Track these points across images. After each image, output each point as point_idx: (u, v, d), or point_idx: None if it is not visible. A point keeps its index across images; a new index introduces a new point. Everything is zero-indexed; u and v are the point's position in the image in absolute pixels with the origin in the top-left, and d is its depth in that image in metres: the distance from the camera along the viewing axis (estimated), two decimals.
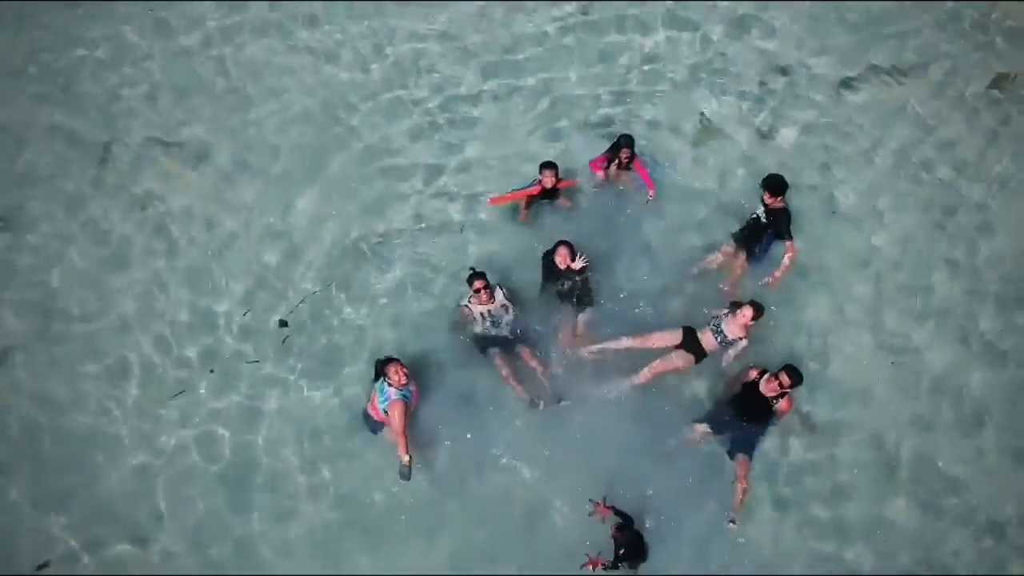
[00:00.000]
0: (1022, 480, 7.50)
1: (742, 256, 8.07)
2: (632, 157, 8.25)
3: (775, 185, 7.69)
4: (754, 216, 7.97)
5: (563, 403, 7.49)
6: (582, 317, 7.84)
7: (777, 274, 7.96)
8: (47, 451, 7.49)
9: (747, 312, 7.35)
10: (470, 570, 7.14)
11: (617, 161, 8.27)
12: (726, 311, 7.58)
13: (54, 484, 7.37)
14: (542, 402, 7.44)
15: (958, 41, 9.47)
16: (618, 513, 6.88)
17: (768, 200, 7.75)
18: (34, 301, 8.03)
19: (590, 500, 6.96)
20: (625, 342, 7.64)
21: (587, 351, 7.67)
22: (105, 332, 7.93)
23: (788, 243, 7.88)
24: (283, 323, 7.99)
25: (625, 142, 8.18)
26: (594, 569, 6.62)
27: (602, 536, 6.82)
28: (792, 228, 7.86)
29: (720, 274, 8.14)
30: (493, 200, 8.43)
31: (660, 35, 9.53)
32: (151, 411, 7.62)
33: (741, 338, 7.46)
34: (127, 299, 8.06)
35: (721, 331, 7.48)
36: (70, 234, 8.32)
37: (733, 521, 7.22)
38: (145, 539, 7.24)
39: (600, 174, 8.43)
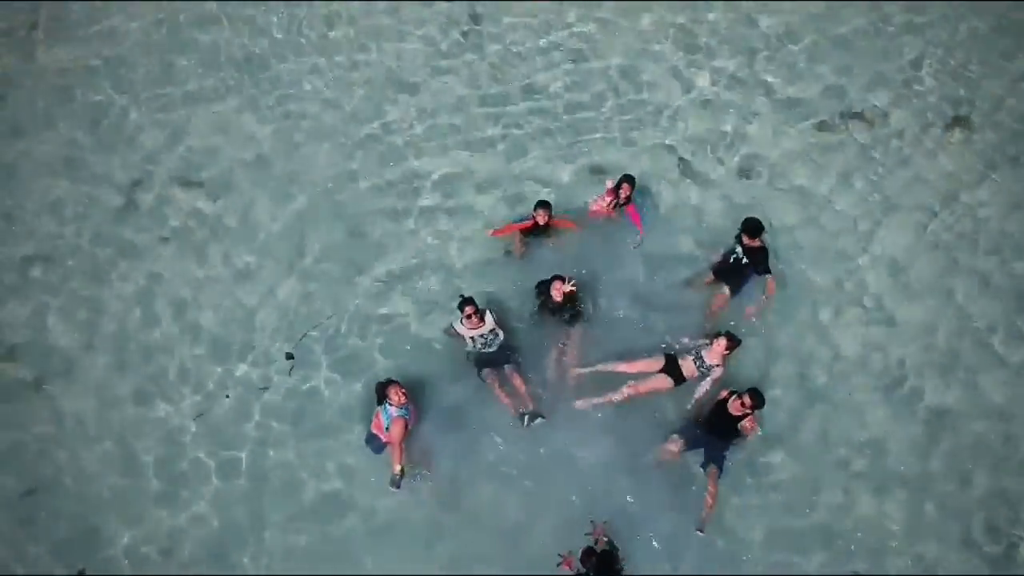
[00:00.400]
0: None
1: (725, 291, 8.65)
2: (631, 196, 8.86)
3: (752, 228, 8.36)
4: (734, 257, 8.54)
5: (538, 421, 8.08)
6: (573, 335, 8.45)
7: (761, 305, 8.65)
8: (73, 475, 8.14)
9: (722, 342, 7.98)
10: (463, 571, 7.75)
11: (616, 199, 8.85)
12: (707, 340, 8.20)
13: (81, 505, 8.04)
14: (526, 418, 8.05)
15: (916, 87, 10.09)
16: (608, 542, 7.32)
17: (747, 241, 8.40)
18: (63, 334, 8.71)
19: (591, 521, 7.47)
20: (611, 366, 8.26)
21: (576, 373, 8.30)
22: (130, 362, 8.61)
23: (768, 277, 8.55)
24: (289, 356, 8.63)
25: (627, 180, 8.81)
26: (565, 567, 7.12)
27: (581, 544, 7.35)
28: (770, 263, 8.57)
29: (703, 302, 8.71)
30: (493, 232, 9.01)
31: (637, 82, 10.13)
32: (173, 432, 8.34)
33: (717, 365, 8.07)
34: (148, 330, 8.74)
35: (701, 358, 8.09)
36: (98, 271, 9.01)
37: (701, 529, 7.80)
38: (169, 550, 7.90)
39: (602, 210, 8.97)
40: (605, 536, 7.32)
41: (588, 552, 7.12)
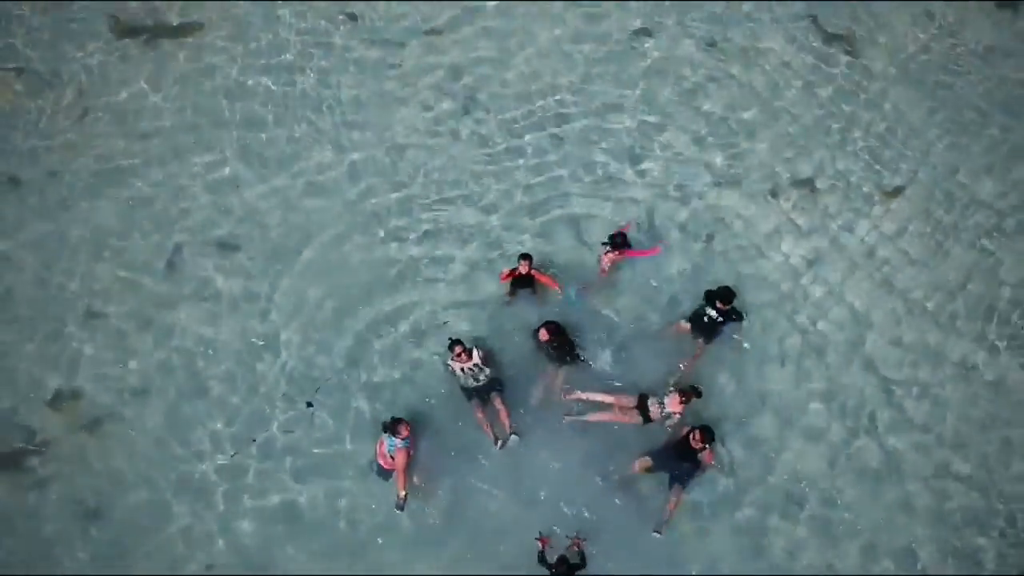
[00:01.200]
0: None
1: (701, 342, 9.65)
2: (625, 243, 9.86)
3: (726, 296, 9.41)
4: (708, 317, 9.53)
5: (512, 439, 9.22)
6: (563, 372, 9.58)
7: (738, 337, 9.93)
8: (131, 499, 9.33)
9: (678, 396, 9.00)
10: (463, 571, 8.92)
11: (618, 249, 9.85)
12: (671, 388, 9.19)
13: (135, 527, 9.27)
14: (501, 441, 9.22)
15: (850, 159, 10.97)
16: (580, 553, 8.50)
17: (721, 306, 9.46)
18: (114, 377, 9.82)
19: (567, 537, 8.68)
20: (597, 396, 9.40)
21: (567, 397, 9.46)
22: (176, 404, 9.71)
23: (742, 323, 9.84)
24: (309, 404, 9.69)
25: (615, 238, 9.85)
26: (540, 544, 8.32)
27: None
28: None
29: (676, 348, 9.75)
30: (503, 274, 9.83)
31: (608, 151, 11.00)
32: (220, 465, 9.53)
33: (677, 413, 9.07)
34: (189, 376, 9.87)
35: (663, 404, 9.12)
36: (146, 320, 10.07)
37: (659, 531, 8.96)
38: (212, 565, 9.14)
39: (612, 262, 9.96)
40: (579, 548, 8.47)
41: (561, 560, 8.26)
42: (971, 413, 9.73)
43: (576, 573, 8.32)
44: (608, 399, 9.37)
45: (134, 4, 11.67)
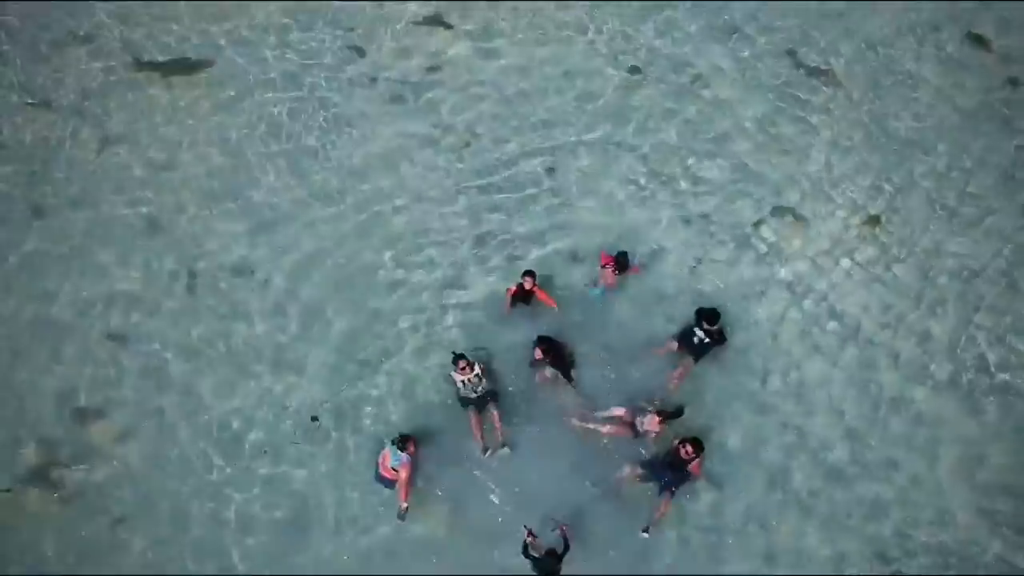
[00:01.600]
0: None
1: (689, 361, 10.09)
2: (616, 264, 10.38)
3: (713, 317, 9.92)
4: (697, 338, 10.01)
5: (503, 451, 9.69)
6: (562, 383, 10.03)
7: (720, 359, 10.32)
8: (150, 509, 9.79)
9: (656, 418, 9.41)
10: (460, 570, 9.44)
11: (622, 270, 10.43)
12: (651, 409, 9.55)
13: (161, 531, 9.71)
14: (491, 451, 9.68)
15: (816, 190, 11.45)
16: (564, 538, 8.90)
17: (708, 327, 9.96)
18: (129, 396, 10.25)
19: (552, 519, 9.14)
20: (608, 412, 9.77)
21: (578, 407, 9.90)
22: (194, 421, 10.15)
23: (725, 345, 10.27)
24: (314, 418, 10.09)
25: (618, 257, 10.44)
26: (527, 537, 8.71)
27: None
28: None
29: (665, 362, 10.17)
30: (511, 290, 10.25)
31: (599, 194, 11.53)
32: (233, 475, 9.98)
33: (655, 432, 9.45)
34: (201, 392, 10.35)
35: (642, 423, 9.49)
36: (155, 343, 10.52)
37: (647, 530, 9.36)
38: (226, 567, 9.56)
39: (612, 282, 10.46)
40: (563, 534, 8.88)
41: (551, 551, 8.70)
42: (920, 445, 10.11)
43: (559, 566, 8.72)
44: (618, 412, 9.70)
45: (150, 43, 12.33)
